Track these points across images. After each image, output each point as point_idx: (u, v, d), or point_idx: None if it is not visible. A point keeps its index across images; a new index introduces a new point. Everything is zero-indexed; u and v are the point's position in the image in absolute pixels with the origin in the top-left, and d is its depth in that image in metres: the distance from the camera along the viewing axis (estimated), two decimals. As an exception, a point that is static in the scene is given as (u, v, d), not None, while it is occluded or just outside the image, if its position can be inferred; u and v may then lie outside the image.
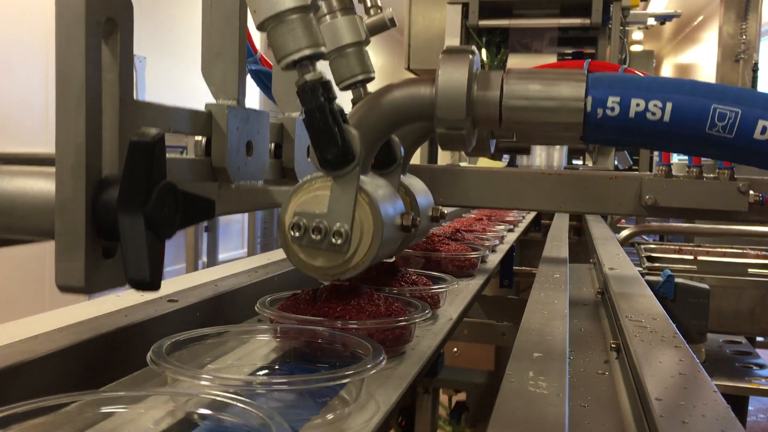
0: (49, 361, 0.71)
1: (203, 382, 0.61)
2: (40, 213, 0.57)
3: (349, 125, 0.77)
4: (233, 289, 1.09)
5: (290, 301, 0.88)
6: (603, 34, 3.34)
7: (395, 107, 0.82)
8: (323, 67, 0.78)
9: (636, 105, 0.75)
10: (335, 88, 0.81)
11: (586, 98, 0.76)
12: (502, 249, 1.77)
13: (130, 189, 0.52)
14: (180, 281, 1.14)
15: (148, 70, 5.04)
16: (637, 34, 8.62)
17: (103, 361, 0.77)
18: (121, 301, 0.98)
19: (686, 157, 1.31)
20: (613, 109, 0.75)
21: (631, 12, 4.04)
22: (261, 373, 0.77)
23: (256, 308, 0.87)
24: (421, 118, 0.82)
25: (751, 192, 1.40)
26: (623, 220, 3.85)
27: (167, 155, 0.57)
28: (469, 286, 1.32)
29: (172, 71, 5.58)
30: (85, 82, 0.52)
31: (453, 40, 3.40)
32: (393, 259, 1.34)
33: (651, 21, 5.65)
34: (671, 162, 1.54)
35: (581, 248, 2.88)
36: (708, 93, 0.75)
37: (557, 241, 1.95)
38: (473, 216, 2.20)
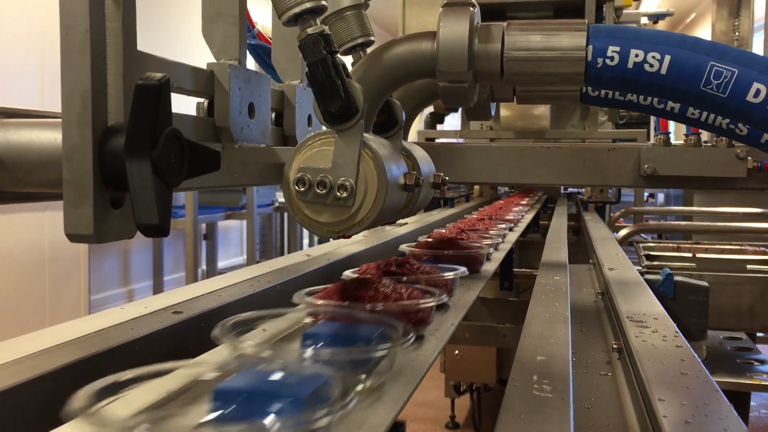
0: (58, 376, 0.71)
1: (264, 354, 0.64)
2: (46, 164, 0.57)
3: (352, 79, 0.77)
4: (236, 299, 1.10)
5: (323, 293, 0.92)
6: (596, 34, 3.35)
7: (397, 63, 0.82)
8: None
9: (635, 56, 0.76)
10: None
11: (586, 47, 0.77)
12: (504, 248, 1.78)
13: (136, 133, 0.53)
14: (183, 292, 1.15)
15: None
16: (630, 33, 8.64)
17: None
18: (126, 313, 0.98)
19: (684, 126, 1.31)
20: (612, 58, 0.76)
21: (624, 12, 4.05)
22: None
23: (293, 299, 0.88)
24: (423, 74, 0.83)
25: (750, 158, 1.40)
26: (621, 219, 3.86)
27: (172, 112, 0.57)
28: (469, 292, 1.33)
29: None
30: (89, 27, 0.53)
31: (447, 43, 3.40)
32: (406, 255, 1.36)
33: (644, 20, 5.67)
34: (669, 131, 1.55)
35: (580, 248, 2.89)
36: (708, 50, 0.75)
37: (556, 243, 1.96)
38: (475, 216, 2.26)
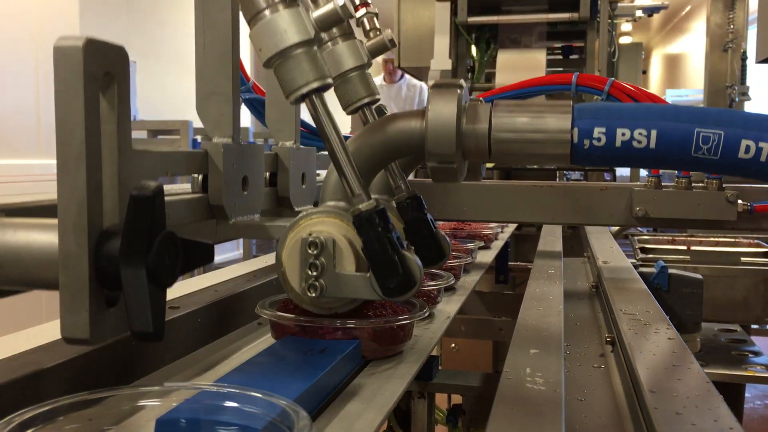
0: (57, 372, 0.72)
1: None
2: (43, 265, 0.57)
3: (407, 251, 0.74)
4: (233, 293, 1.10)
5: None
6: (592, 27, 3.37)
7: (388, 141, 0.84)
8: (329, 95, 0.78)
9: (622, 134, 0.76)
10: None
11: (572, 129, 0.77)
12: (498, 245, 1.80)
13: (131, 242, 0.53)
14: (180, 287, 1.15)
15: (138, 74, 5.04)
16: (625, 26, 8.63)
17: (111, 370, 0.79)
18: (123, 309, 0.99)
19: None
20: (599, 139, 0.77)
21: (619, 5, 4.05)
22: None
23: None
24: (412, 152, 0.84)
25: (740, 201, 1.42)
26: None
27: (165, 198, 0.57)
28: (465, 283, 1.34)
29: (162, 75, 5.58)
30: (84, 137, 0.53)
31: (442, 37, 3.41)
32: None
33: (639, 13, 5.67)
34: (660, 173, 1.56)
35: (575, 241, 2.90)
36: (690, 117, 0.76)
37: (551, 236, 1.97)
38: None
